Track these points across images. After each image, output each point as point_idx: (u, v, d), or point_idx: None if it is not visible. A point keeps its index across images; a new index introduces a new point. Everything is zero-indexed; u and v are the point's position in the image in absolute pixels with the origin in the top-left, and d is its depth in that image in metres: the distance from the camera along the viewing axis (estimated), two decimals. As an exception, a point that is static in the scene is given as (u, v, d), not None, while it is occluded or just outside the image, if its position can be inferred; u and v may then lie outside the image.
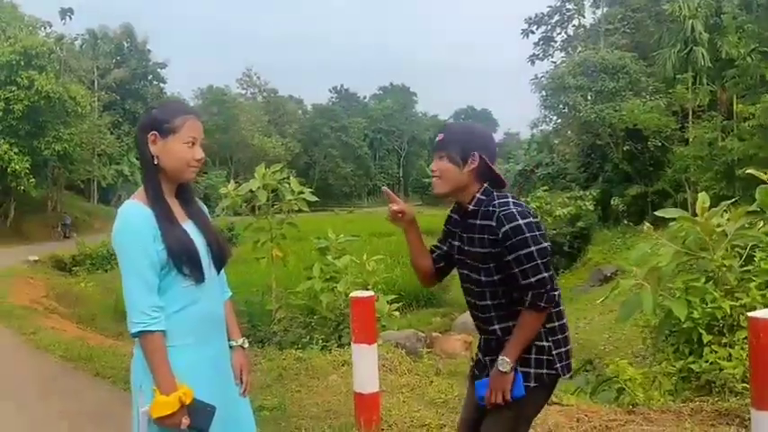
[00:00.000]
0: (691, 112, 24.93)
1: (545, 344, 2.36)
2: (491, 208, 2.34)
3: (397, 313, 8.49)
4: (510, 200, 2.35)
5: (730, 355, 4.53)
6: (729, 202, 5.53)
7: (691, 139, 24.34)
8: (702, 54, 24.45)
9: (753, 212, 5.40)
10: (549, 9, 34.46)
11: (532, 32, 35.21)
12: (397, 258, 19.42)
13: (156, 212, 2.12)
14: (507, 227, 2.27)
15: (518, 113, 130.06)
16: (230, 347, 2.36)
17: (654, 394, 4.57)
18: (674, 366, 4.80)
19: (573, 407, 4.74)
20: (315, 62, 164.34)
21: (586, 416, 4.34)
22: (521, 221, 2.27)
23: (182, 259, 2.11)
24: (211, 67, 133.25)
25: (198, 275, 2.16)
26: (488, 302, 2.40)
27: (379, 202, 77.11)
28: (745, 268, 5.03)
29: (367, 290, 8.64)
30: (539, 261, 2.27)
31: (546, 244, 2.31)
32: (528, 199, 19.38)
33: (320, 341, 7.27)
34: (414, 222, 2.59)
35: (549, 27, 34.93)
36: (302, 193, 9.49)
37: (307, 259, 10.09)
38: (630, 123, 24.36)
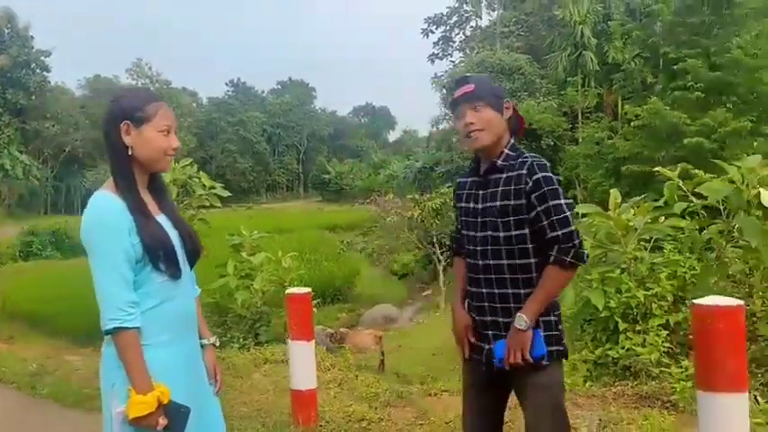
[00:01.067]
0: (580, 113, 26.35)
1: (551, 318, 2.29)
2: (521, 159, 2.28)
3: (315, 310, 8.45)
4: (539, 156, 2.34)
5: (645, 341, 4.84)
6: (640, 198, 5.89)
7: (580, 139, 25.72)
8: (591, 58, 25.92)
9: (658, 207, 5.79)
10: (447, 10, 35.39)
11: (432, 32, 36.05)
12: (303, 255, 19.31)
13: (129, 204, 2.00)
14: (539, 175, 2.21)
15: (416, 111, 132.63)
16: (201, 346, 2.27)
17: (578, 380, 4.79)
18: (593, 353, 5.07)
19: (500, 395, 4.90)
20: (210, 54, 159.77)
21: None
22: (551, 174, 2.24)
23: (158, 254, 2.01)
24: (99, 56, 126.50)
25: (174, 271, 2.06)
26: (503, 262, 2.28)
27: (278, 198, 76.13)
28: (654, 259, 5.38)
29: (284, 287, 8.54)
30: (567, 213, 2.20)
31: (571, 201, 2.26)
32: (432, 195, 19.81)
33: (240, 339, 7.10)
34: (464, 309, 2.49)
35: (448, 27, 35.86)
36: (213, 188, 9.23)
37: (218, 256, 9.81)
38: (526, 123, 25.39)
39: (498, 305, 2.31)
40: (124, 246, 1.95)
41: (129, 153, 2.03)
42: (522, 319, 2.19)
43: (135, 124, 2.02)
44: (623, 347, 4.91)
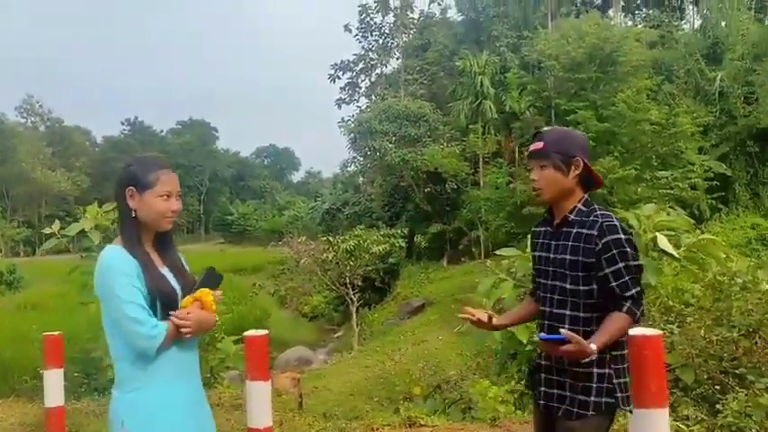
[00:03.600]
0: (481, 159, 27.74)
1: (606, 371, 2.38)
2: (592, 218, 2.38)
3: (241, 353, 8.52)
4: (610, 214, 2.43)
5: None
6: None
7: (482, 183, 27.05)
8: (490, 107, 27.44)
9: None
10: (354, 57, 36.40)
11: (339, 78, 36.88)
12: (236, 297, 19.13)
13: (136, 258, 2.26)
14: (609, 238, 2.31)
15: (320, 152, 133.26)
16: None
17: (510, 409, 5.24)
18: (520, 384, 5.55)
19: (439, 427, 5.27)
20: (106, 92, 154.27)
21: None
22: (622, 236, 2.32)
23: (161, 302, 2.27)
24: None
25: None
26: (566, 312, 2.38)
27: (178, 240, 73.20)
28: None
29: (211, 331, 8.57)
30: (637, 276, 2.32)
31: (641, 263, 2.38)
32: (346, 237, 20.20)
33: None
34: (498, 319, 2.65)
35: (354, 74, 36.84)
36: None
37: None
38: (432, 167, 26.48)
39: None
40: (136, 287, 2.21)
41: (134, 215, 2.31)
42: (592, 341, 2.23)
43: (139, 190, 2.31)
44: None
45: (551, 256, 2.46)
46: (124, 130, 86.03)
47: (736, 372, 4.87)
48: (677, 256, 5.52)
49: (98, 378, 8.03)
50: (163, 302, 2.27)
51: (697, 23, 31.17)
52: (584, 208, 2.45)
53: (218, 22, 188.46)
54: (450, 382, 7.64)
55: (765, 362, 4.80)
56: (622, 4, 33.35)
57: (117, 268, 2.22)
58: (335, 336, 23.99)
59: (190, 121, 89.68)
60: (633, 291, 2.31)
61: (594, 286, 2.35)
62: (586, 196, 2.50)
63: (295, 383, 13.06)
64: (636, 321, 2.35)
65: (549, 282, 2.45)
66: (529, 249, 2.77)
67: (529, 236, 2.74)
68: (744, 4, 27.14)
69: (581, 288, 2.36)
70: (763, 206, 22.99)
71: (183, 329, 2.23)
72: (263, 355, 4.53)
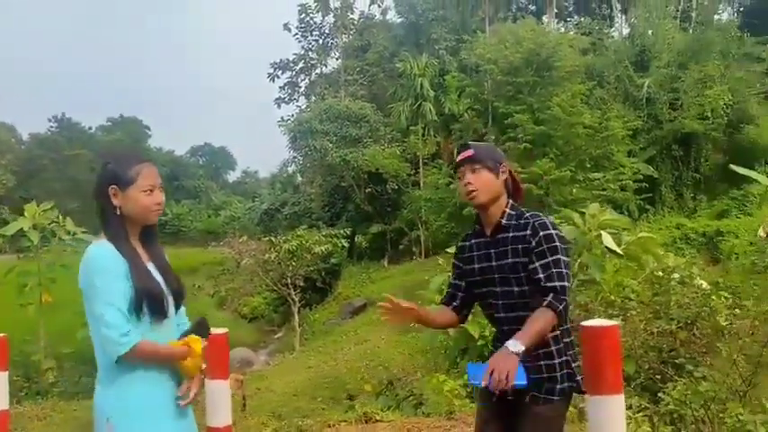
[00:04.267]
0: (421, 160, 28.08)
1: (565, 358, 2.52)
2: (524, 220, 2.49)
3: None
4: (539, 214, 2.54)
5: (516, 364, 5.56)
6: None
7: (422, 184, 27.39)
8: (430, 109, 27.81)
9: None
10: (294, 56, 36.19)
11: (278, 77, 36.59)
12: None
13: (122, 254, 2.26)
14: (541, 233, 2.41)
15: (256, 152, 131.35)
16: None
17: (465, 402, 5.39)
18: (472, 378, 5.70)
19: (395, 422, 5.37)
20: (31, 87, 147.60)
21: (415, 427, 4.98)
22: (553, 231, 2.43)
23: (146, 298, 2.26)
24: None
25: (160, 314, 2.31)
26: (519, 314, 2.42)
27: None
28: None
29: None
30: (564, 270, 2.38)
31: (570, 260, 2.47)
32: (288, 237, 20.09)
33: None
34: (419, 312, 2.60)
35: (294, 73, 36.62)
36: (75, 233, 8.99)
37: (79, 303, 9.39)
38: (372, 168, 26.63)
39: None
40: (120, 287, 2.20)
41: (118, 212, 2.31)
42: (516, 344, 2.22)
43: (121, 187, 2.30)
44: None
45: (494, 264, 2.52)
46: (51, 126, 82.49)
47: (675, 362, 5.17)
48: (620, 252, 5.80)
49: (39, 381, 7.79)
50: (150, 301, 2.26)
51: (626, 31, 32.48)
52: (513, 212, 2.54)
53: (152, 18, 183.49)
54: (402, 379, 7.76)
55: (702, 352, 5.11)
56: (555, 10, 34.40)
57: (103, 266, 2.21)
58: (276, 337, 23.82)
59: (120, 118, 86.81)
60: (557, 284, 2.35)
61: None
62: (511, 201, 2.58)
63: (238, 385, 12.92)
64: (558, 315, 2.37)
65: (498, 289, 2.51)
66: (456, 262, 2.70)
67: (454, 250, 2.76)
68: (669, 13, 28.47)
69: (525, 288, 2.43)
70: (686, 207, 24.22)
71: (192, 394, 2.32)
72: (224, 353, 4.52)
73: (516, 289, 2.46)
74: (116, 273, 2.20)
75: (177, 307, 2.47)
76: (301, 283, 20.61)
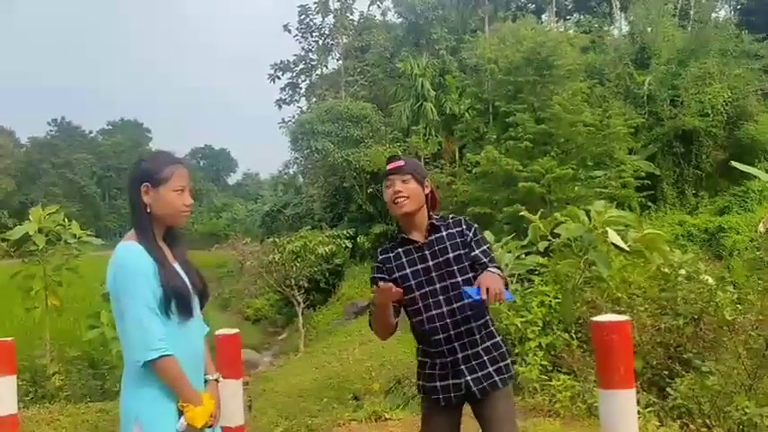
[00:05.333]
0: (423, 160, 28.09)
1: (498, 338, 2.84)
2: (450, 220, 2.80)
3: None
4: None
5: (524, 361, 5.60)
6: (507, 238, 6.78)
7: (424, 183, 27.34)
8: (431, 109, 27.82)
9: (524, 246, 6.71)
10: (294, 57, 36.24)
11: (278, 78, 36.62)
12: None
13: (151, 254, 2.29)
14: (473, 227, 2.78)
15: (257, 154, 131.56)
16: (205, 381, 2.53)
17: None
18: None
19: (404, 420, 5.40)
20: (30, 91, 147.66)
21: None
22: (475, 225, 2.82)
23: (174, 298, 2.30)
24: None
25: (187, 313, 2.35)
26: (465, 302, 2.61)
27: (109, 244, 71.10)
28: (526, 291, 6.24)
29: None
30: (494, 257, 2.83)
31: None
32: (291, 238, 20.10)
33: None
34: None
35: (295, 74, 36.65)
36: (81, 237, 9.02)
37: (88, 306, 9.46)
38: (374, 168, 26.66)
39: (466, 339, 2.69)
40: (152, 287, 2.25)
41: (148, 211, 2.33)
42: (493, 268, 2.62)
43: (153, 185, 2.34)
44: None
45: (431, 263, 2.71)
46: (51, 130, 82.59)
47: (682, 357, 5.20)
48: (627, 249, 5.83)
49: (45, 385, 7.81)
50: (177, 300, 2.30)
51: (625, 29, 32.47)
52: (436, 216, 2.82)
53: (152, 20, 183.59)
54: (409, 378, 7.79)
55: (709, 347, 5.14)
56: (555, 9, 34.43)
57: (134, 267, 2.24)
58: (280, 338, 23.83)
59: (121, 122, 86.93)
60: (495, 263, 2.71)
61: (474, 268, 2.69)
62: (431, 213, 2.83)
63: (243, 387, 13.00)
64: (506, 284, 2.59)
65: (439, 284, 2.69)
66: (381, 276, 2.77)
67: (375, 267, 2.84)
68: (668, 11, 28.49)
69: (470, 275, 2.67)
70: (688, 204, 24.22)
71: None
72: (236, 353, 4.58)
73: (461, 279, 2.67)
74: (146, 273, 2.24)
75: (202, 306, 2.51)
76: (305, 285, 20.63)
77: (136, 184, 2.34)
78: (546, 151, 20.86)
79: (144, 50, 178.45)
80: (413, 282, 2.73)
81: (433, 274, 2.70)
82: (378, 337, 2.91)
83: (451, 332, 2.69)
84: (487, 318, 2.81)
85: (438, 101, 28.14)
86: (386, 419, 5.40)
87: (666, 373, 5.17)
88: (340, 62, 36.19)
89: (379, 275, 2.78)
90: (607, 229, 5.85)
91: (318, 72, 37.11)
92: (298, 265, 19.47)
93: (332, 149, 27.59)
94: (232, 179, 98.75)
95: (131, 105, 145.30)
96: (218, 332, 4.61)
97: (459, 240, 2.73)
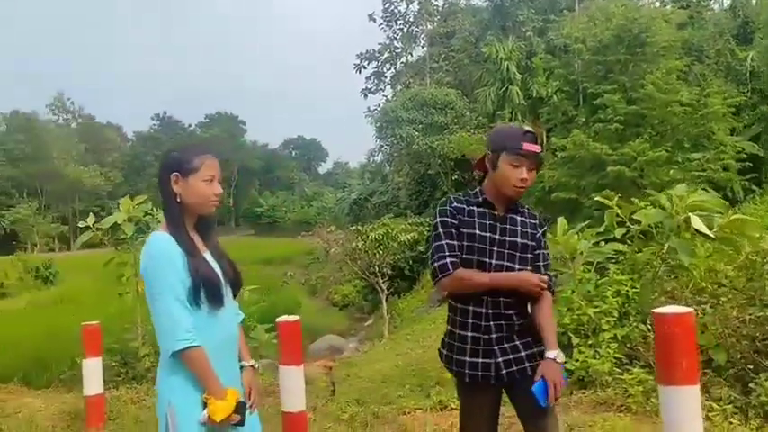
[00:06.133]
0: (509, 145, 27.53)
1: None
2: (527, 209, 2.76)
3: (275, 341, 8.63)
4: None
5: (597, 353, 5.37)
6: (582, 225, 6.51)
7: (510, 169, 26.83)
8: (517, 93, 27.23)
9: (600, 233, 6.43)
10: (379, 46, 36.38)
11: (364, 68, 36.91)
12: (267, 287, 19.37)
13: (180, 244, 2.32)
14: (545, 227, 2.78)
15: (347, 143, 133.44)
16: (241, 368, 2.55)
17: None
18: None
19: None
20: (135, 88, 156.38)
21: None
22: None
23: (204, 287, 2.32)
24: (17, 90, 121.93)
25: (217, 302, 2.37)
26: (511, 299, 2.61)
27: (219, 230, 74.26)
28: (600, 280, 5.97)
29: (243, 320, 8.70)
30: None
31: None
32: (374, 226, 20.27)
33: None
34: None
35: (380, 63, 36.82)
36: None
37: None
38: (459, 154, 26.39)
39: (504, 322, 2.62)
40: (181, 277, 2.28)
41: (178, 200, 2.37)
42: (560, 353, 2.54)
43: (183, 175, 2.37)
44: (577, 360, 5.43)
45: (497, 237, 2.63)
46: (154, 125, 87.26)
47: (770, 351, 4.83)
48: (711, 235, 5.46)
49: (136, 367, 8.22)
50: (207, 289, 2.32)
51: (726, 3, 30.42)
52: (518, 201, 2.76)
53: (243, 15, 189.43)
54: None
55: (800, 341, 4.75)
56: (651, -16, 32.70)
57: (164, 255, 2.28)
58: (366, 324, 24.13)
59: (217, 115, 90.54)
60: (551, 273, 2.79)
61: (531, 267, 2.66)
62: None
63: (327, 371, 13.21)
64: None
65: (494, 261, 2.60)
66: (451, 221, 2.63)
67: (447, 210, 2.67)
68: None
69: (528, 268, 2.64)
70: (797, 186, 22.47)
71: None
72: (296, 340, 4.63)
73: (517, 267, 2.61)
74: (176, 262, 2.27)
75: (235, 294, 2.54)
76: (389, 272, 20.76)
77: (166, 174, 2.38)
78: (638, 134, 19.92)
79: (238, 45, 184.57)
80: (476, 244, 2.61)
81: (496, 248, 2.62)
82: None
83: (490, 311, 2.61)
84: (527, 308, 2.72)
85: (524, 84, 27.51)
86: (451, 409, 5.33)
87: (751, 367, 4.81)
88: (425, 49, 36.02)
89: (452, 221, 2.64)
90: (689, 214, 5.49)
91: (403, 60, 37.14)
92: (380, 252, 19.60)
93: (416, 137, 27.54)
94: (323, 168, 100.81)
95: (227, 99, 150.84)
96: (278, 319, 4.69)
97: (530, 231, 2.68)
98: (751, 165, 20.59)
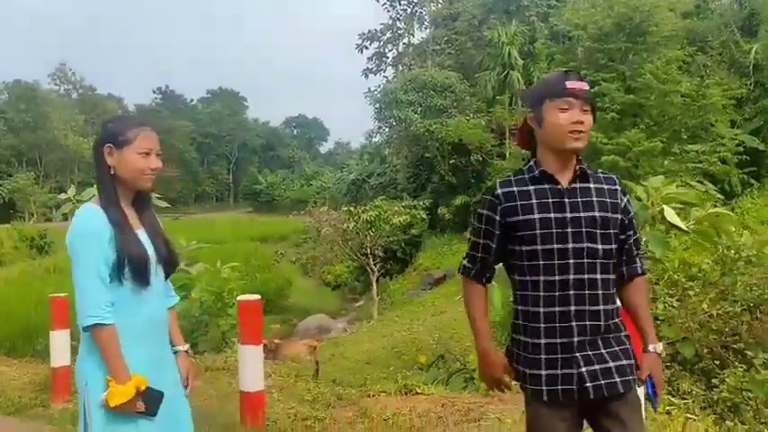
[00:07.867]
0: (507, 130, 27.38)
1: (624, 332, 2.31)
2: (601, 174, 2.22)
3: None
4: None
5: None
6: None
7: (508, 154, 26.74)
8: (518, 78, 27.00)
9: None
10: (381, 26, 36.07)
11: (366, 48, 36.65)
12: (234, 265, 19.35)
13: (110, 218, 2.24)
14: (627, 192, 2.23)
15: (349, 123, 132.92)
16: (175, 353, 2.48)
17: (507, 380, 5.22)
18: (519, 355, 5.53)
19: (435, 395, 5.30)
20: (137, 60, 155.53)
21: (450, 402, 4.89)
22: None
23: (129, 264, 2.24)
24: (19, 59, 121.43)
25: (143, 281, 2.28)
26: (597, 276, 2.10)
27: (207, 208, 74.57)
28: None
29: (222, 297, 8.66)
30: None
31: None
32: (367, 207, 20.22)
33: (173, 349, 7.26)
34: (496, 350, 2.31)
35: (382, 43, 36.54)
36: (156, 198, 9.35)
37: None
38: (456, 138, 26.24)
39: (588, 323, 2.09)
40: (104, 251, 2.19)
41: (112, 172, 2.30)
42: (659, 346, 2.20)
43: (117, 147, 2.28)
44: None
45: (567, 215, 2.09)
46: (155, 98, 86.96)
47: (736, 347, 4.79)
48: (685, 228, 5.39)
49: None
50: (132, 266, 2.24)
51: (734, -7, 30.08)
52: (584, 164, 2.18)
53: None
54: (456, 352, 7.66)
55: (766, 338, 4.71)
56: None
57: (88, 229, 2.21)
58: (357, 305, 24.22)
59: (219, 90, 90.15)
60: (641, 249, 2.29)
61: (615, 245, 2.15)
62: None
63: (311, 351, 13.23)
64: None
65: (573, 245, 2.07)
66: (493, 216, 2.19)
67: (488, 200, 2.21)
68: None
69: (612, 246, 2.13)
70: (796, 182, 22.34)
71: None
72: (257, 319, 4.60)
73: (601, 247, 2.10)
74: (102, 237, 2.19)
75: (167, 275, 2.47)
76: (380, 253, 20.74)
77: (100, 145, 2.30)
78: (635, 123, 19.78)
79: (241, 21, 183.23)
80: (538, 231, 2.10)
81: (569, 229, 2.08)
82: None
83: (572, 308, 2.08)
84: (617, 306, 2.20)
85: (526, 70, 27.28)
86: (416, 393, 5.31)
87: (718, 362, 4.78)
88: (428, 31, 35.74)
89: (494, 216, 2.18)
90: (664, 206, 5.41)
91: (405, 41, 36.85)
92: (372, 234, 19.57)
93: (415, 119, 27.37)
94: (324, 148, 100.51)
95: (229, 75, 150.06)
96: (239, 297, 4.66)
97: (608, 200, 2.13)
98: (750, 158, 20.47)
